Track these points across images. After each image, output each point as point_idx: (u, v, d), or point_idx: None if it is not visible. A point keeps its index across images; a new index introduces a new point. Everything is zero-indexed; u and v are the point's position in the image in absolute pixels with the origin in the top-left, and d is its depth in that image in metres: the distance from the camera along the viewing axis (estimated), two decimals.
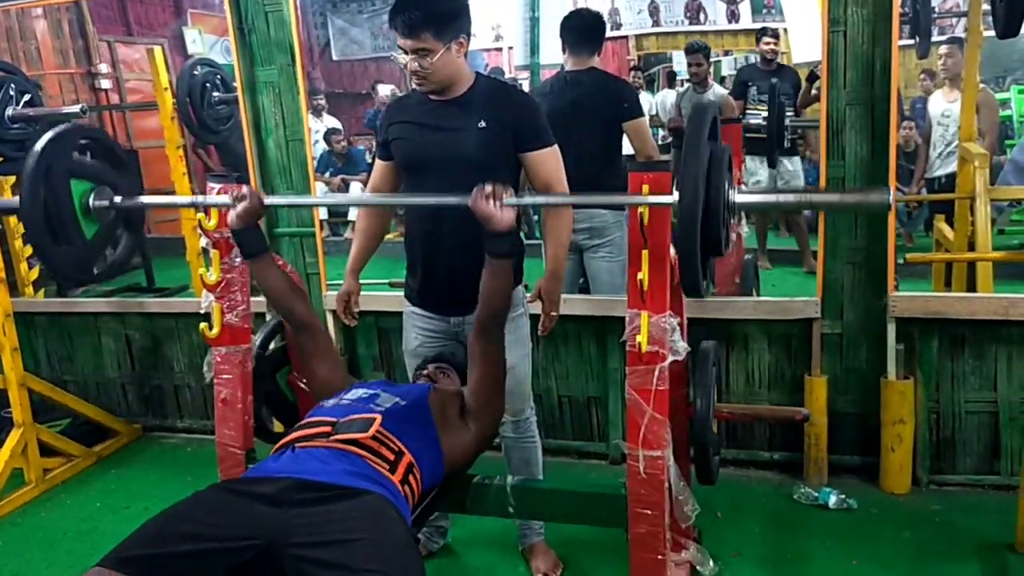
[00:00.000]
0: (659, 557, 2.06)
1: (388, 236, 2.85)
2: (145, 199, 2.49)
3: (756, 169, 4.82)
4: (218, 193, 2.37)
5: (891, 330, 3.05)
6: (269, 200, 2.28)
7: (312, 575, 1.58)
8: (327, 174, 6.60)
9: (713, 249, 1.89)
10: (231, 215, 2.19)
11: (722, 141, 1.99)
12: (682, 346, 2.01)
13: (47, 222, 2.16)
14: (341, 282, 2.72)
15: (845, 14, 2.94)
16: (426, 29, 2.25)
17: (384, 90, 7.27)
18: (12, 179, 4.06)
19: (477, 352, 2.16)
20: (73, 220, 2.19)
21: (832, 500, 3.05)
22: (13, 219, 4.09)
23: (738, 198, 1.90)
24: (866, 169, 3.02)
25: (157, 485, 3.61)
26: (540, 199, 2.42)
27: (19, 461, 3.54)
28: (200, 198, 2.35)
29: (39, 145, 2.15)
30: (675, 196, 1.81)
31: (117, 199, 2.33)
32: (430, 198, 2.36)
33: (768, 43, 5.05)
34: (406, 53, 2.30)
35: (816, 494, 3.10)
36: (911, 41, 3.72)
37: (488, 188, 1.99)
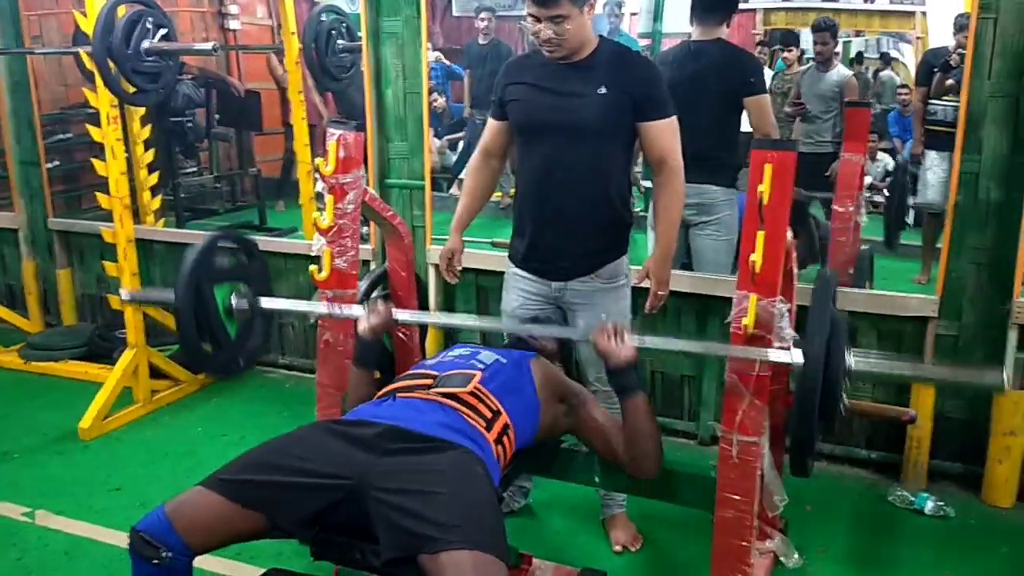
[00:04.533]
0: (744, 543, 2.03)
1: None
2: (281, 305, 2.51)
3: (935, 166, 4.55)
4: (336, 140, 2.42)
5: (1012, 337, 2.89)
6: (400, 316, 2.32)
7: (390, 519, 1.63)
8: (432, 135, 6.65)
9: (830, 411, 1.91)
10: (363, 325, 2.22)
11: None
12: (789, 333, 1.96)
13: (199, 332, 2.28)
14: (445, 237, 2.75)
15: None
16: None
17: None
18: (143, 110, 4.23)
19: (628, 458, 2.11)
20: (221, 326, 2.31)
21: (929, 506, 2.94)
22: (140, 149, 4.27)
23: (856, 365, 1.93)
24: (1003, 166, 2.85)
25: (255, 417, 3.74)
26: (658, 342, 2.17)
27: (130, 380, 3.73)
28: (336, 309, 2.38)
29: (186, 267, 2.24)
30: (796, 357, 1.88)
31: (255, 300, 2.39)
32: (551, 328, 2.41)
33: None
34: (538, 21, 2.27)
35: (912, 498, 2.99)
36: None
37: (610, 326, 2.02)
